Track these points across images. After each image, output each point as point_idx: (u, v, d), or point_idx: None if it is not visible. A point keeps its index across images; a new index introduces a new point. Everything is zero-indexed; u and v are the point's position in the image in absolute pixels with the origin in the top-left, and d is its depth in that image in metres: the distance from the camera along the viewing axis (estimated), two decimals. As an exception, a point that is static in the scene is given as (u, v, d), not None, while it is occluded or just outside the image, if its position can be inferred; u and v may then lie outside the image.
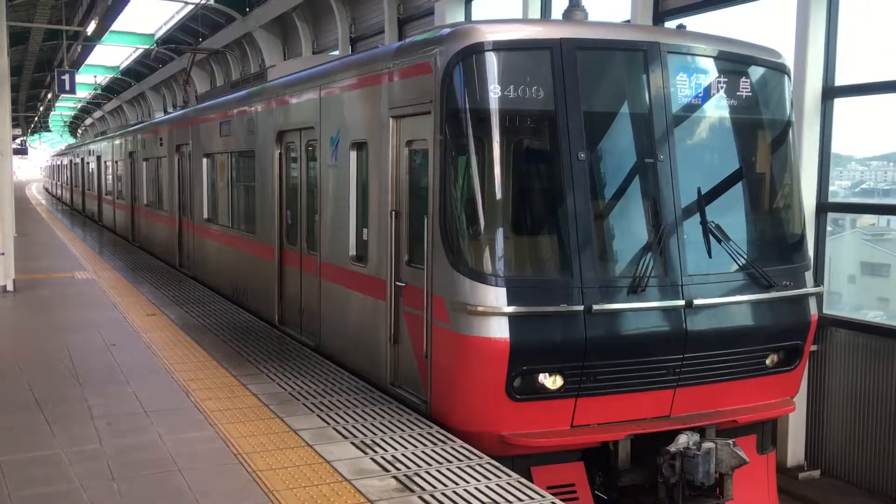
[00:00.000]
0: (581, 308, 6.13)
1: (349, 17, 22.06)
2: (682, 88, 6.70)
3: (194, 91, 25.92)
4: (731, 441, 6.39)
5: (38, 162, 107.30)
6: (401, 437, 6.33)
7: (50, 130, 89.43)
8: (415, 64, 6.90)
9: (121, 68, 48.20)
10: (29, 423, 6.62)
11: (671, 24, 11.04)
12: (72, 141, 76.00)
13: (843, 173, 10.54)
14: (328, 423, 6.62)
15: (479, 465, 5.77)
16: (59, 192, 50.34)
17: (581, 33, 6.52)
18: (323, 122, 8.84)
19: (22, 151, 62.67)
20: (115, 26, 33.84)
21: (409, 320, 7.06)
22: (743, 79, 6.95)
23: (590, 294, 6.17)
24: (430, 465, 5.77)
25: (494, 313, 6.05)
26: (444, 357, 6.48)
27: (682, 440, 6.26)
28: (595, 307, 6.14)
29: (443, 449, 6.08)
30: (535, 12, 14.08)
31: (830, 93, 9.48)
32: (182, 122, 16.05)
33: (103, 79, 52.23)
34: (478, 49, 6.25)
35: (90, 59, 45.22)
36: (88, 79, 51.11)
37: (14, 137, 41.99)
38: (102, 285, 13.88)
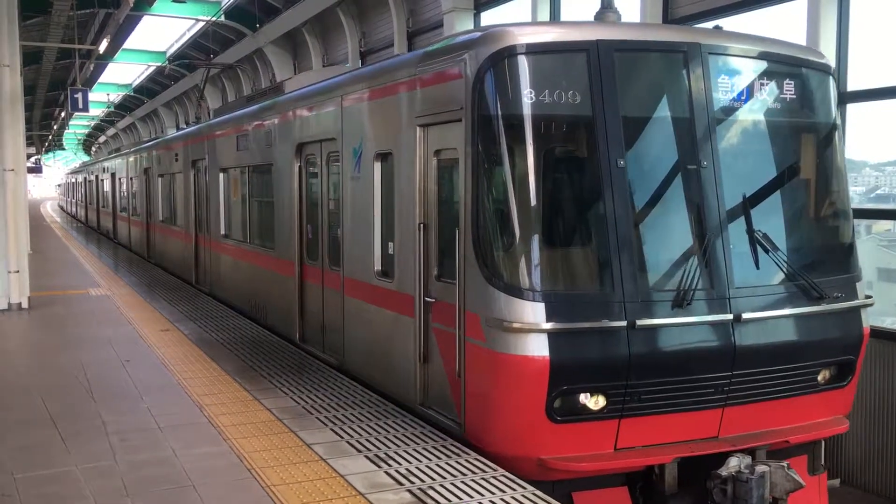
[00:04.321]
0: (624, 324, 5.79)
1: (359, 31, 22.17)
2: (724, 91, 6.37)
3: (206, 106, 26.07)
4: (785, 464, 6.04)
5: (52, 180, 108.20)
6: (415, 450, 6.29)
7: (64, 148, 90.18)
8: (443, 70, 6.60)
9: (133, 86, 48.64)
10: (44, 440, 6.63)
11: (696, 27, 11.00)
12: (86, 158, 76.56)
13: (857, 179, 10.48)
14: (342, 437, 6.59)
15: (494, 477, 5.72)
16: (73, 209, 50.62)
17: (618, 34, 6.20)
18: (345, 134, 8.58)
19: (36, 170, 63.20)
20: (127, 44, 34.18)
21: (440, 338, 6.76)
22: (786, 80, 6.63)
23: (632, 309, 5.83)
24: (444, 477, 5.73)
25: (532, 330, 5.72)
26: (478, 377, 6.15)
27: (734, 463, 5.92)
28: (638, 322, 5.81)
29: (457, 462, 6.04)
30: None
31: (843, 98, 9.43)
32: (197, 136, 15.89)
33: (116, 96, 52.72)
34: (510, 52, 5.95)
35: (103, 77, 45.67)
36: (101, 97, 51.58)
37: (28, 156, 42.36)
38: (116, 301, 13.93)
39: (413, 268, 7.03)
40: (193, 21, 29.55)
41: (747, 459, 6.00)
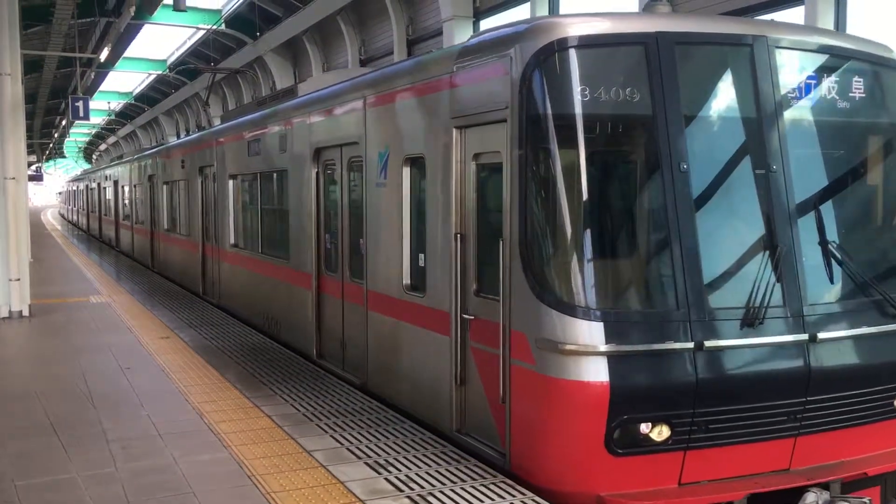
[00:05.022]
0: (691, 345, 5.27)
1: (358, 39, 22.27)
2: (792, 88, 5.83)
3: (209, 113, 26.09)
4: (866, 499, 5.59)
5: (53, 188, 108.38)
6: (415, 456, 6.31)
7: (65, 156, 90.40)
8: (484, 66, 6.04)
9: (134, 94, 48.79)
10: (44, 447, 6.64)
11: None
12: (86, 166, 76.65)
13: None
14: (342, 444, 6.61)
15: (494, 483, 5.73)
16: (74, 217, 50.50)
17: (677, 26, 5.65)
18: (369, 137, 7.99)
19: (37, 178, 63.35)
20: (128, 53, 34.34)
21: (480, 359, 6.23)
22: (856, 77, 6.07)
23: (699, 328, 5.31)
24: (443, 483, 5.74)
25: (590, 353, 5.19)
26: (527, 403, 5.58)
27: (811, 499, 5.43)
28: (706, 344, 5.28)
29: (457, 468, 6.05)
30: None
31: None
32: (205, 142, 15.31)
33: (117, 105, 52.92)
34: (561, 46, 5.40)
35: (104, 86, 45.85)
36: (102, 105, 51.77)
37: (29, 164, 42.46)
38: (117, 309, 13.95)
39: (448, 282, 6.51)
40: (194, 29, 29.67)
41: (825, 495, 5.50)
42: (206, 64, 31.74)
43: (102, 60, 28.55)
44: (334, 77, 10.74)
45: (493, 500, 5.46)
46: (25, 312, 13.28)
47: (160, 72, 38.75)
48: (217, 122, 17.11)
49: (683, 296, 5.33)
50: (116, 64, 35.01)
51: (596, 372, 5.20)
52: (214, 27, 27.20)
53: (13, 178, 13.16)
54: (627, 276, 5.72)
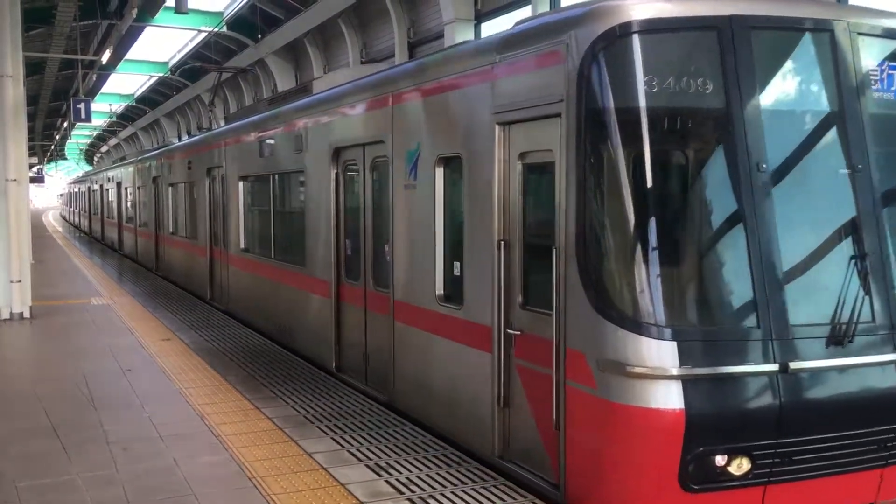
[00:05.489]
0: (775, 367, 4.75)
1: (360, 41, 22.29)
2: (877, 79, 5.31)
3: (210, 114, 26.06)
4: None
5: (54, 190, 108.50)
6: (415, 458, 6.31)
7: (66, 158, 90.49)
8: (534, 55, 5.49)
9: (135, 96, 48.85)
10: (46, 449, 6.65)
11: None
12: (88, 168, 76.73)
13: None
14: (342, 446, 6.61)
15: (495, 486, 5.74)
16: (76, 219, 50.43)
17: (753, 9, 5.09)
18: (396, 135, 7.42)
19: (38, 179, 63.43)
20: (130, 55, 34.37)
21: (527, 379, 5.69)
22: None
23: (782, 348, 4.79)
24: (444, 486, 5.74)
25: (662, 376, 4.66)
26: (587, 431, 5.04)
27: None
28: (792, 366, 4.76)
29: (458, 471, 6.05)
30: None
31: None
32: (214, 142, 14.74)
33: (118, 107, 52.98)
34: (625, 30, 4.89)
35: (105, 88, 45.91)
36: (104, 107, 51.84)
37: (31, 166, 42.51)
38: (118, 311, 13.96)
39: (490, 293, 5.96)
40: (196, 32, 29.71)
41: None
42: (200, 72, 31.81)
43: (104, 62, 28.59)
44: (351, 74, 10.22)
45: (492, 502, 5.46)
46: (27, 314, 13.29)
47: (162, 74, 38.80)
48: (222, 123, 16.93)
49: (765, 311, 4.80)
50: (118, 66, 35.06)
51: (669, 398, 4.66)
52: (216, 29, 27.24)
53: (14, 180, 13.18)
54: (701, 289, 5.12)
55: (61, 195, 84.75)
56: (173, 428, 7.15)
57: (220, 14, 27.94)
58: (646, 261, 4.84)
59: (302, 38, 25.00)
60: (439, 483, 5.80)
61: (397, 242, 7.49)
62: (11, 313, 13.13)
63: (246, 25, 26.89)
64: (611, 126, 4.92)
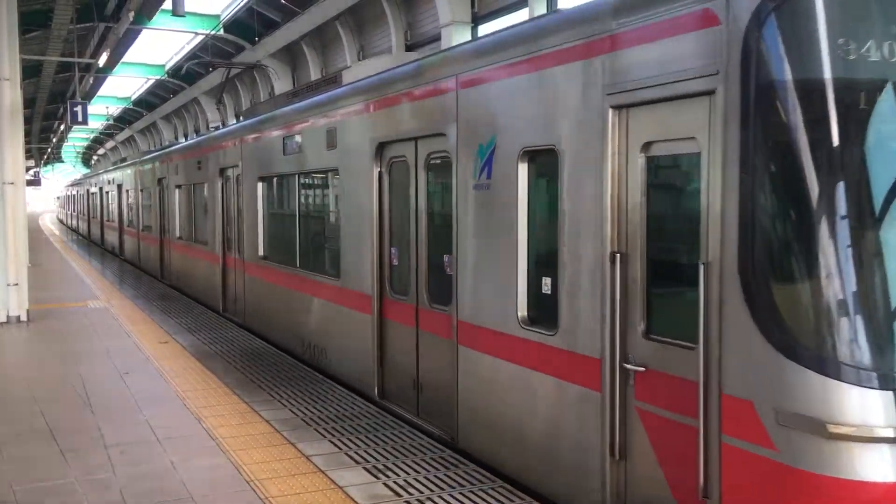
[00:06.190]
0: None
1: (357, 43, 22.31)
2: None
3: (222, 113, 25.92)
4: None
5: (51, 192, 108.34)
6: (413, 461, 6.30)
7: (63, 161, 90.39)
8: (669, 18, 4.42)
9: (132, 99, 48.85)
10: (43, 452, 6.63)
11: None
12: (85, 171, 76.65)
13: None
14: (340, 449, 6.60)
15: (493, 489, 5.73)
16: (74, 223, 50.18)
17: None
18: (462, 126, 6.41)
19: (35, 182, 63.36)
20: (127, 58, 34.37)
21: (653, 426, 4.67)
22: None
23: None
24: (442, 489, 5.74)
25: (877, 439, 3.61)
26: None
27: None
28: None
29: (455, 473, 6.05)
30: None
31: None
32: (228, 140, 13.60)
33: (115, 109, 52.94)
34: None
35: (102, 91, 45.90)
36: (101, 109, 51.82)
37: (27, 168, 42.48)
38: (116, 314, 13.95)
39: (597, 317, 4.98)
40: (193, 34, 29.72)
41: None
42: (205, 69, 31.80)
43: (101, 65, 28.60)
44: (388, 63, 9.11)
45: (491, 505, 5.46)
46: (23, 317, 13.28)
47: (159, 76, 38.80)
48: (228, 122, 16.73)
49: None
50: (115, 69, 35.07)
51: (884, 468, 3.63)
52: (213, 32, 27.25)
53: (11, 183, 13.18)
54: None
55: (58, 198, 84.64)
56: (171, 431, 7.13)
57: (217, 17, 27.97)
58: (850, 286, 3.76)
59: (299, 41, 25.02)
60: (437, 486, 5.80)
61: (462, 253, 6.46)
62: (8, 316, 13.12)
63: (243, 28, 26.92)
64: (789, 105, 3.87)
